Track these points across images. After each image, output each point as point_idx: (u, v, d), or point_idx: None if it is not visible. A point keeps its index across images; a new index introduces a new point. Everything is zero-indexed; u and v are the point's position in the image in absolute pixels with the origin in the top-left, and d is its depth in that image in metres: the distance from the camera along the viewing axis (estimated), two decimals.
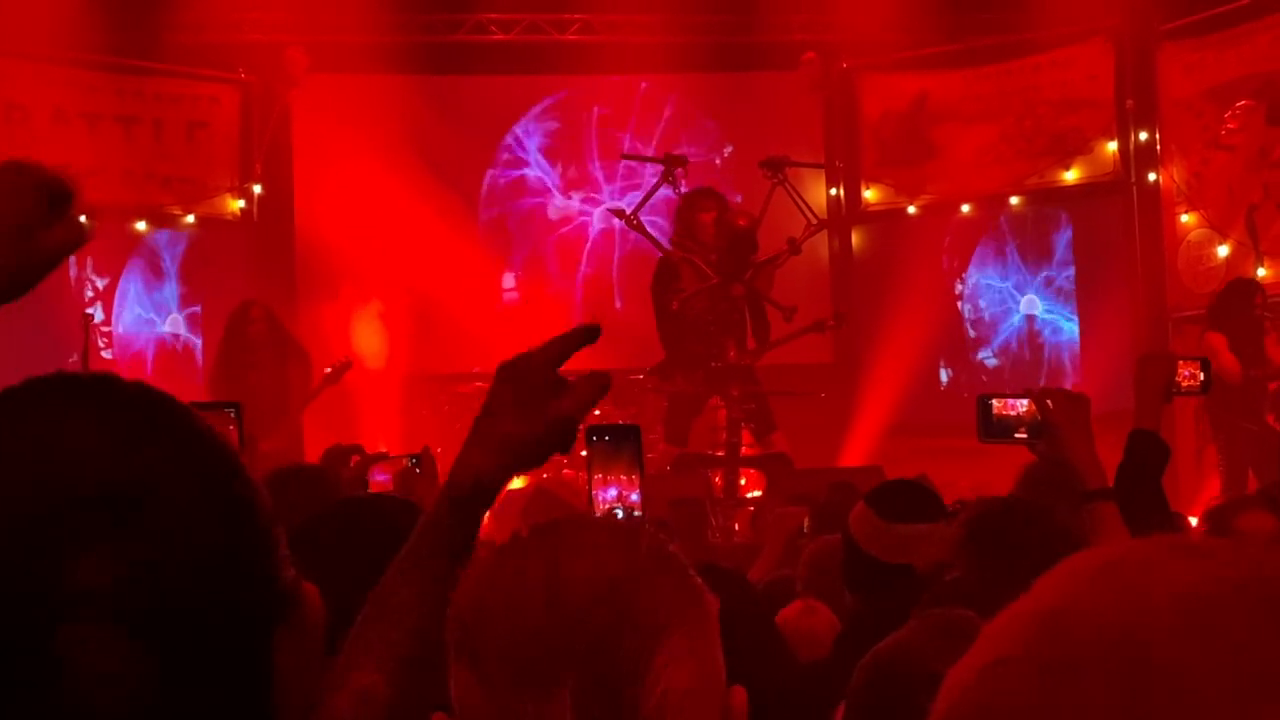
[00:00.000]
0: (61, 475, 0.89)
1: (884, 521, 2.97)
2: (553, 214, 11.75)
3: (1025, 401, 2.77)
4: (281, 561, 0.95)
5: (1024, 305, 11.15)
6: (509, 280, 11.61)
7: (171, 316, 10.81)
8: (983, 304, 11.33)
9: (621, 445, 1.96)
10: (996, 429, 2.78)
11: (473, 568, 1.29)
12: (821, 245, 11.01)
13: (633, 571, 1.23)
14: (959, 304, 11.39)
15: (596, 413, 9.64)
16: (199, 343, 10.74)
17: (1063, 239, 11.08)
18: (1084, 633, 0.63)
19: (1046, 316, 11.13)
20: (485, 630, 1.22)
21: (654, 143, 11.33)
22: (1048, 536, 2.48)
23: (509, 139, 11.75)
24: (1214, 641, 0.61)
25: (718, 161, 11.55)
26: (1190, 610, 0.62)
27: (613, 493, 1.94)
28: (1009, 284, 11.26)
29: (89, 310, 9.63)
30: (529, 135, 11.76)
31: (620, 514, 1.90)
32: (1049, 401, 2.73)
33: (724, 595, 2.98)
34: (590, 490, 1.94)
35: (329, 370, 8.24)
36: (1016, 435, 2.78)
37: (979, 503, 2.82)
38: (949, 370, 11.39)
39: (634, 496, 1.92)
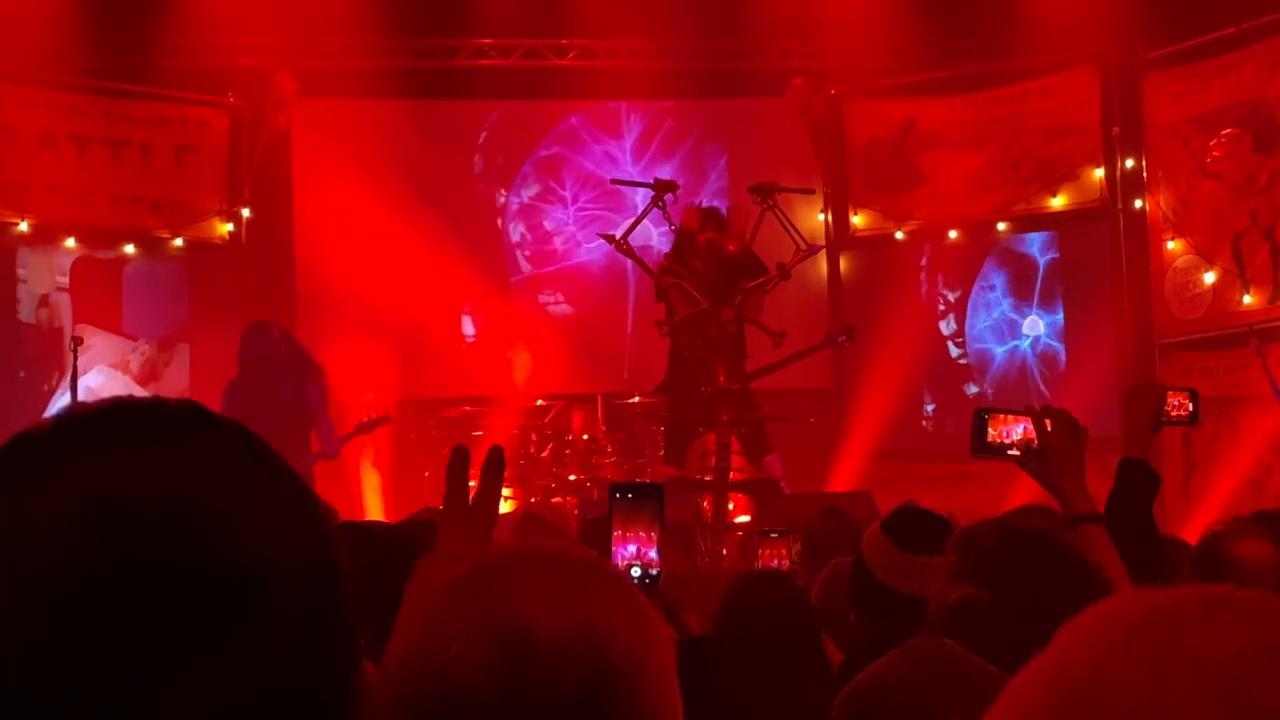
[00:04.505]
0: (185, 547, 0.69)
1: (901, 551, 2.94)
2: (543, 238, 11.74)
3: (1022, 424, 2.70)
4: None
5: (1026, 327, 11.13)
6: (488, 309, 11.58)
7: (159, 339, 10.77)
8: (973, 330, 11.33)
9: (643, 503, 1.98)
10: (990, 445, 2.71)
11: (407, 610, 1.04)
12: (810, 270, 11.01)
13: (601, 638, 1.01)
14: (945, 330, 11.39)
15: (577, 440, 9.49)
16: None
17: (1049, 266, 11.10)
18: (1114, 709, 0.59)
19: (1035, 342, 11.14)
20: (419, 708, 0.98)
21: (644, 167, 11.34)
22: (1050, 563, 2.46)
23: (501, 164, 11.75)
24: None
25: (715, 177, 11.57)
26: (1225, 687, 0.58)
27: (631, 549, 1.95)
28: (997, 311, 11.26)
29: (75, 334, 9.56)
30: (521, 160, 11.76)
31: (638, 572, 1.91)
32: (1047, 422, 2.68)
33: (771, 600, 2.98)
34: (610, 546, 1.95)
35: (364, 421, 8.17)
36: (1009, 453, 2.71)
37: (973, 529, 2.79)
38: (934, 401, 11.38)
39: (652, 554, 1.94)
